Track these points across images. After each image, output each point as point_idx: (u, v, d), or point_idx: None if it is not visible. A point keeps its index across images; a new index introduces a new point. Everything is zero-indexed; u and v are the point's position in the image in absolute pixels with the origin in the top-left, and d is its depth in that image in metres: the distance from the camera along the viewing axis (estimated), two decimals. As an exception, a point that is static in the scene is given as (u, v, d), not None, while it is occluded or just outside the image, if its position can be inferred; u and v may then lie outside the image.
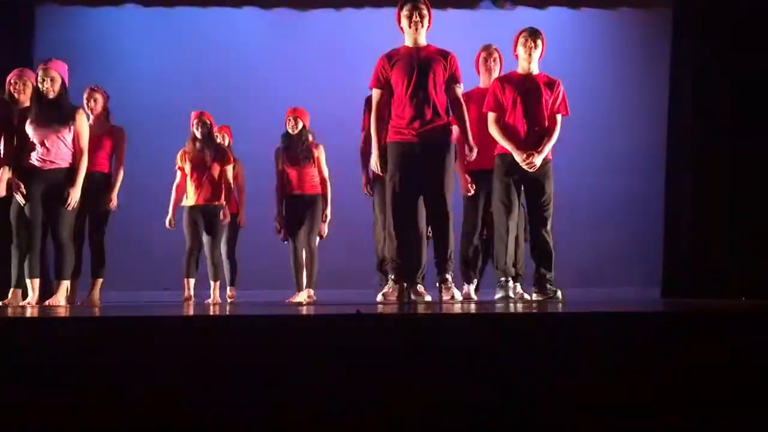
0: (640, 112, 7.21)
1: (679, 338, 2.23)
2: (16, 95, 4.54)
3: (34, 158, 4.30)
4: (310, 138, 5.51)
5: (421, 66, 4.09)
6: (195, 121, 5.37)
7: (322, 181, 5.45)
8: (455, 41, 7.71)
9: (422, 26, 4.16)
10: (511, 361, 2.16)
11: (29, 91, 4.51)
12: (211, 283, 5.38)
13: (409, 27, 4.14)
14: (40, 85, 4.34)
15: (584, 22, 7.55)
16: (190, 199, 5.35)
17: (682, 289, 5.92)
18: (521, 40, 4.40)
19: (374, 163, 4.16)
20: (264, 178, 5.89)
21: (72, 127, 4.36)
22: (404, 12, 4.15)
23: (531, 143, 4.31)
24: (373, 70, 4.18)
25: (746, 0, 5.95)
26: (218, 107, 5.92)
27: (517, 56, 4.45)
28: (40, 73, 4.35)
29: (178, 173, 5.41)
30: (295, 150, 5.36)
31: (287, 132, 5.41)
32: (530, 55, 4.37)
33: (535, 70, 4.43)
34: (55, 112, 4.33)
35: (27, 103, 4.50)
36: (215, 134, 5.55)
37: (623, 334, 2.23)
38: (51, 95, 4.34)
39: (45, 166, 4.30)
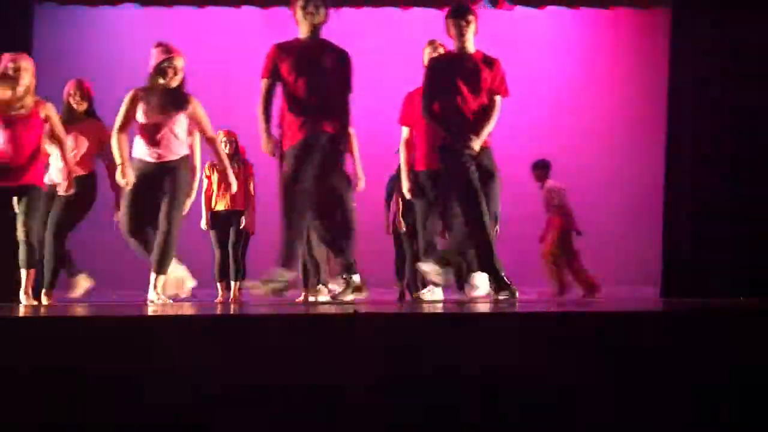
0: (640, 112, 7.21)
1: (678, 338, 2.22)
2: (75, 106, 4.68)
3: (150, 152, 4.19)
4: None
5: (312, 64, 3.89)
6: (224, 139, 5.81)
7: None
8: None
9: (317, 17, 3.92)
10: (510, 362, 2.15)
11: (86, 103, 4.71)
12: (232, 283, 5.94)
13: (304, 18, 3.93)
14: (162, 78, 4.21)
15: (583, 22, 7.55)
16: (217, 205, 5.96)
17: (682, 289, 5.91)
18: (451, 20, 4.14)
19: (264, 145, 3.97)
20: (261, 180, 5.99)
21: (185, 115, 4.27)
22: (299, 2, 3.93)
23: (470, 126, 4.06)
24: (264, 60, 4.02)
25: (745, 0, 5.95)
26: (216, 106, 5.91)
27: (451, 36, 4.18)
28: (166, 63, 4.21)
29: (206, 181, 5.95)
30: None
31: None
32: (463, 34, 4.10)
33: (471, 48, 4.15)
34: (170, 101, 4.24)
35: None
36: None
37: (622, 334, 2.23)
38: (174, 84, 4.26)
39: (160, 159, 4.20)
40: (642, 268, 6.85)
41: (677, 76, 6.17)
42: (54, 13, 7.08)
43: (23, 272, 4.27)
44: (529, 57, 7.41)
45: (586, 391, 2.13)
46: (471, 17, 4.12)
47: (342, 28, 7.31)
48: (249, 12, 7.40)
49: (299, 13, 3.95)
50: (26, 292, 4.27)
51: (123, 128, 4.21)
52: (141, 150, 4.21)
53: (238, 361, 2.12)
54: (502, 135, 6.29)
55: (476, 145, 4.04)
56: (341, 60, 4.00)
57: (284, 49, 3.95)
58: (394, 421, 2.08)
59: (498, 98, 4.18)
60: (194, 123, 4.32)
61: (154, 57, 4.24)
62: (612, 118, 7.34)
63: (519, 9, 7.27)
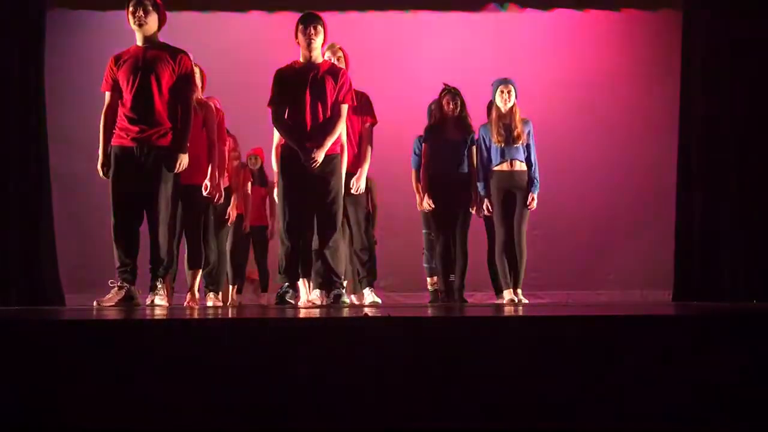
0: (651, 114, 7.18)
1: (690, 341, 2.21)
2: None
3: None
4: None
5: (145, 68, 4.08)
6: (249, 158, 6.40)
7: None
8: (461, 45, 7.69)
9: (145, 23, 4.11)
10: (517, 366, 2.14)
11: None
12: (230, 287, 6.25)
13: (134, 24, 4.12)
14: None
15: (591, 25, 7.52)
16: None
17: (694, 292, 5.87)
18: (300, 27, 4.28)
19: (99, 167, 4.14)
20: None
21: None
22: (130, 8, 4.12)
23: (316, 136, 4.19)
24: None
25: (757, 0, 5.90)
26: (225, 111, 5.95)
27: (299, 45, 4.31)
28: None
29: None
30: None
31: None
32: (310, 42, 4.24)
33: (318, 58, 4.31)
34: None
35: None
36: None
37: (634, 338, 2.21)
38: None
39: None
40: (654, 271, 6.80)
41: (689, 77, 6.13)
42: (65, 18, 7.11)
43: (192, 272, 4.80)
44: (540, 59, 7.39)
45: (592, 396, 2.12)
46: (319, 26, 4.25)
47: (349, 31, 7.38)
48: (257, 16, 7.43)
49: (130, 18, 4.12)
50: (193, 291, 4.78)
51: None
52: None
53: (247, 366, 2.11)
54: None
55: (320, 156, 4.16)
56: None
57: (118, 59, 4.21)
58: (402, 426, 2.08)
59: (344, 107, 4.29)
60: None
61: None
62: (623, 120, 7.29)
63: (527, 11, 7.26)
